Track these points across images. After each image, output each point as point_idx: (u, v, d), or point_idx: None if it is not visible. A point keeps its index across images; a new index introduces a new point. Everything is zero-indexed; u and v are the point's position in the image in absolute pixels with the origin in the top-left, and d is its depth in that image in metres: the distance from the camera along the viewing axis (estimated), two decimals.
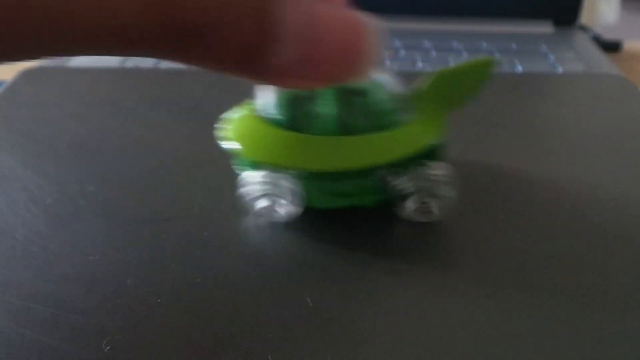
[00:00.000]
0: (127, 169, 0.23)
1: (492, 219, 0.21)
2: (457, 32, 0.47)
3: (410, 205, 0.20)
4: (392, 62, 0.41)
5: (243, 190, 0.20)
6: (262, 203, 0.20)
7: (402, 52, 0.43)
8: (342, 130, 0.19)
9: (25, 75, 0.30)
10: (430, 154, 0.20)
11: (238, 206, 0.21)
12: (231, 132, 0.20)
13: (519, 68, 0.41)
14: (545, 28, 0.48)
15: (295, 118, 0.19)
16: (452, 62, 0.42)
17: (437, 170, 0.20)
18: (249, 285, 0.18)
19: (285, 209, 0.20)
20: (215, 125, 0.21)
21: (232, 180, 0.21)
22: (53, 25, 0.12)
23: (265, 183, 0.20)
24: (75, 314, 0.17)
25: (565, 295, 0.17)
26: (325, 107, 0.19)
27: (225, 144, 0.20)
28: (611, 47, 0.48)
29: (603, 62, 0.42)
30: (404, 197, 0.20)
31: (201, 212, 0.21)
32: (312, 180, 0.20)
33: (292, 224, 0.20)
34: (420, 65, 0.41)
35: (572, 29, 0.48)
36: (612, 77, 0.33)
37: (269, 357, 0.15)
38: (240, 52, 0.13)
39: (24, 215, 0.20)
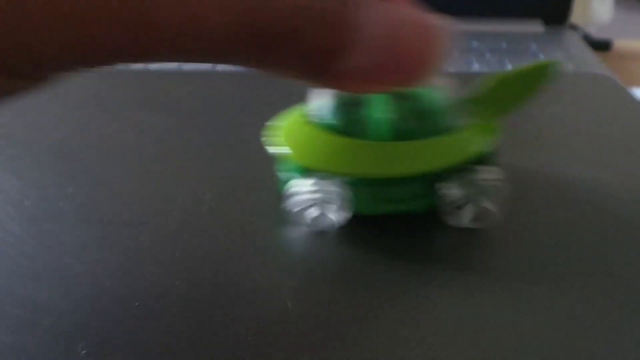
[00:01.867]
0: (107, 171, 0.23)
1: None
2: None
3: (459, 212, 0.20)
4: None
5: (292, 199, 0.19)
6: (312, 212, 0.19)
7: None
8: (396, 135, 0.19)
9: None
10: (481, 159, 0.20)
11: (217, 209, 0.20)
12: (281, 136, 0.20)
13: (509, 67, 0.41)
14: (535, 27, 0.48)
15: (347, 123, 0.19)
16: None
17: (488, 175, 0.19)
18: (229, 288, 0.18)
19: (334, 216, 0.19)
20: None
21: (212, 183, 0.21)
22: (133, 29, 0.12)
23: (316, 191, 0.19)
24: (51, 316, 0.16)
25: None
26: (379, 112, 0.19)
27: (274, 149, 0.20)
28: (601, 46, 0.48)
29: (593, 62, 0.42)
30: (453, 203, 0.19)
31: (181, 215, 0.20)
32: (361, 186, 0.19)
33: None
34: None
35: (562, 29, 0.48)
36: (601, 77, 0.33)
37: None
38: (315, 58, 0.13)
39: None
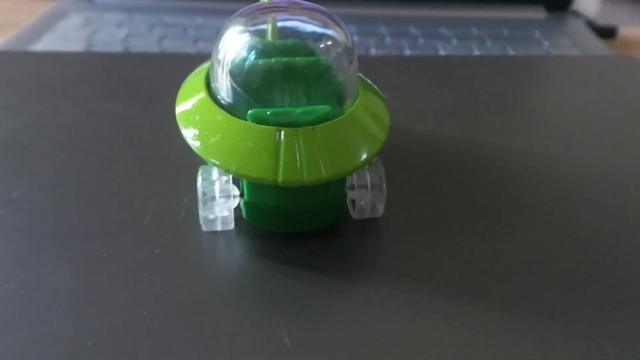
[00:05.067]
0: (66, 169, 0.20)
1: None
2: (445, 18, 0.45)
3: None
4: (378, 50, 0.38)
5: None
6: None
7: (388, 40, 0.40)
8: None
9: None
10: None
11: (196, 216, 0.17)
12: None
13: (511, 54, 0.39)
14: (537, 13, 0.47)
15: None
16: (441, 49, 0.39)
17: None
18: (207, 317, 0.14)
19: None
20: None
21: (192, 184, 0.17)
22: None
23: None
24: None
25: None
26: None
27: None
28: (606, 33, 0.46)
29: (599, 48, 0.40)
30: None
31: (153, 224, 0.17)
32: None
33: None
34: (407, 52, 0.38)
35: (565, 15, 0.47)
36: (614, 57, 0.31)
37: None
38: None
39: None
